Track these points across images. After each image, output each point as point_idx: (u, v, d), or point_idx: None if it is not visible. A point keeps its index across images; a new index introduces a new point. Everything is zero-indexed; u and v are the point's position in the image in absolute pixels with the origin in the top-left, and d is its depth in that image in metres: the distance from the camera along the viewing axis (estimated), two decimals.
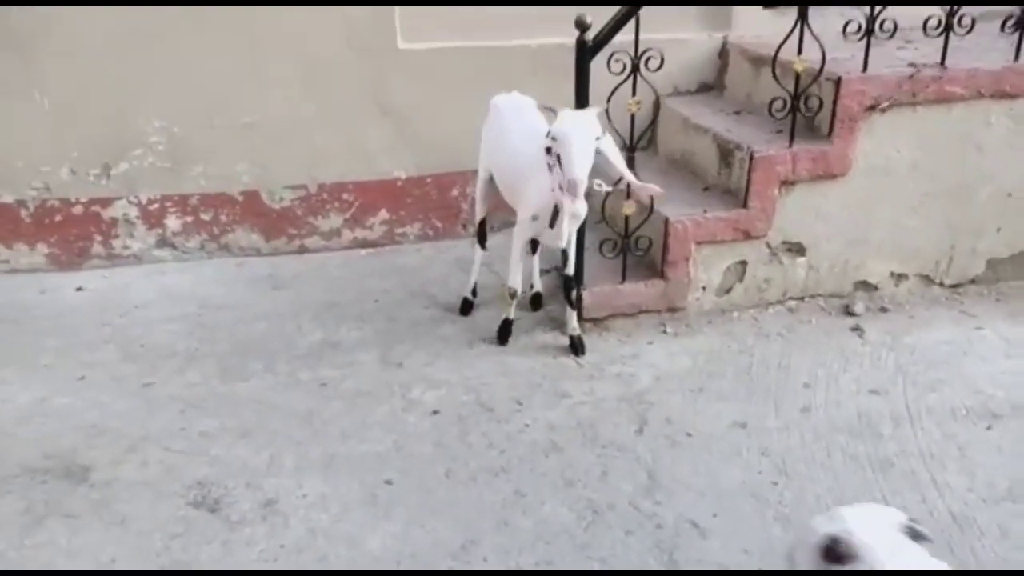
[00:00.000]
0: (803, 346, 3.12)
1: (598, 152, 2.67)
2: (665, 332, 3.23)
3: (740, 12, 3.90)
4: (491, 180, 3.19)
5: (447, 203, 4.04)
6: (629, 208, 3.10)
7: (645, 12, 2.89)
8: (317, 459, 2.59)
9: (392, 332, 3.27)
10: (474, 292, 3.41)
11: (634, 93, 2.97)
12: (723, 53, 3.95)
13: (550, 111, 2.72)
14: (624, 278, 3.21)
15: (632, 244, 3.16)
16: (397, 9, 3.68)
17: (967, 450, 2.54)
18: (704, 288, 3.28)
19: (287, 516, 2.36)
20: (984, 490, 2.38)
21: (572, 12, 2.84)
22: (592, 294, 3.18)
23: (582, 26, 2.86)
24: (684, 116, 3.68)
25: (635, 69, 2.94)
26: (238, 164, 3.82)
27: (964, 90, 3.13)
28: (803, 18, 2.94)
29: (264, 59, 3.67)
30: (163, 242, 3.88)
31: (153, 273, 3.80)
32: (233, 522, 2.33)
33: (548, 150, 2.69)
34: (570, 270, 3.08)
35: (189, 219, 3.86)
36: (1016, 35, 3.13)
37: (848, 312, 3.32)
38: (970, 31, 3.06)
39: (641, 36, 2.91)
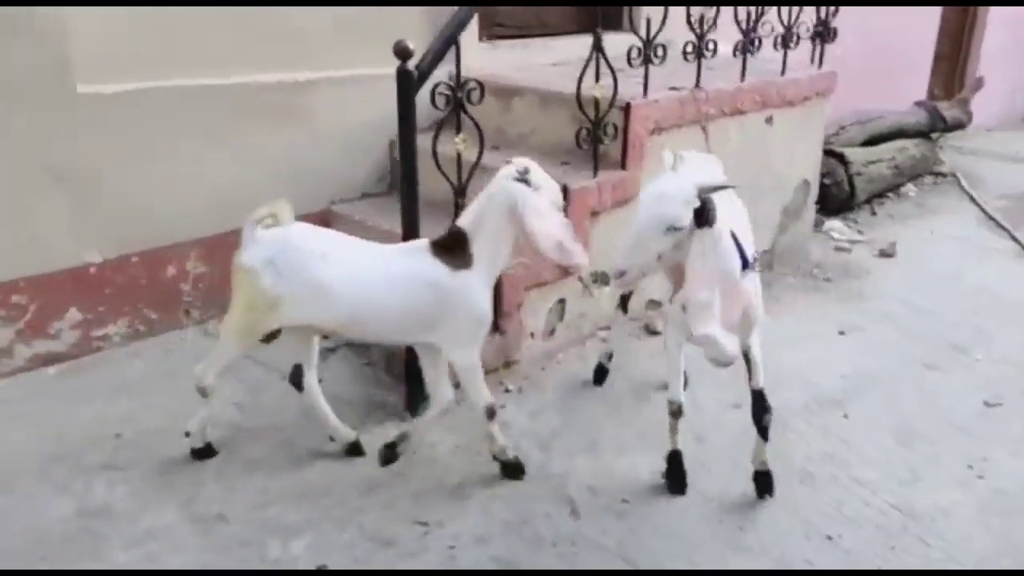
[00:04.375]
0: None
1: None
2: (508, 391, 2.89)
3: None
4: None
5: (161, 286, 3.11)
6: None
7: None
8: None
9: (185, 476, 2.39)
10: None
11: (458, 131, 2.59)
12: None
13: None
14: None
15: None
16: (73, 43, 2.71)
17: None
18: (532, 335, 3.03)
19: None
20: None
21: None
22: None
23: (405, 53, 2.40)
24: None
25: (459, 104, 2.57)
26: None
27: (714, 109, 3.37)
28: (598, 47, 2.85)
29: None
30: None
31: None
32: None
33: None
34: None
35: None
36: (741, 58, 3.47)
37: (652, 332, 3.35)
38: (714, 54, 3.29)
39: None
